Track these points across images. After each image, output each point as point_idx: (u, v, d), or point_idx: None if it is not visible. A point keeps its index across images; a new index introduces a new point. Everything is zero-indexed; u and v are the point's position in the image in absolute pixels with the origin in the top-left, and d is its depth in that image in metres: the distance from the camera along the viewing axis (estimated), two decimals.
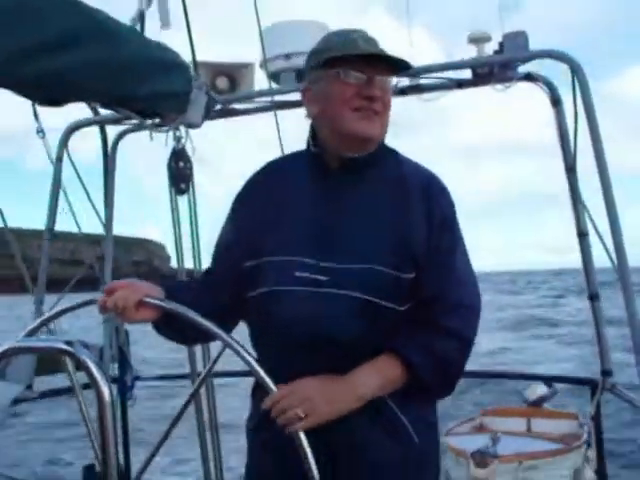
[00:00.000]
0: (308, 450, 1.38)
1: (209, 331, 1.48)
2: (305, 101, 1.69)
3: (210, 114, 2.61)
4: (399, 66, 1.60)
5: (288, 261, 1.57)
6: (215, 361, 2.38)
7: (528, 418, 5.09)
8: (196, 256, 3.26)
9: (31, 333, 1.56)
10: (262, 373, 1.44)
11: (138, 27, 2.82)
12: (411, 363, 1.51)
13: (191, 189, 3.14)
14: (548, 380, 5.01)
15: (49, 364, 3.54)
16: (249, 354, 1.45)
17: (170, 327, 1.63)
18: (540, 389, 5.32)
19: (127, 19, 2.79)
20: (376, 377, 1.51)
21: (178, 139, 2.92)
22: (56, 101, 2.13)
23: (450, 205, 1.66)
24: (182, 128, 2.78)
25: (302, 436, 1.40)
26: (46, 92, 2.00)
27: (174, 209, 3.28)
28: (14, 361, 3.33)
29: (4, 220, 3.16)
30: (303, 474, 1.39)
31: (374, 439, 1.54)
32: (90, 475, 3.40)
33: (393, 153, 1.71)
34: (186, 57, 2.59)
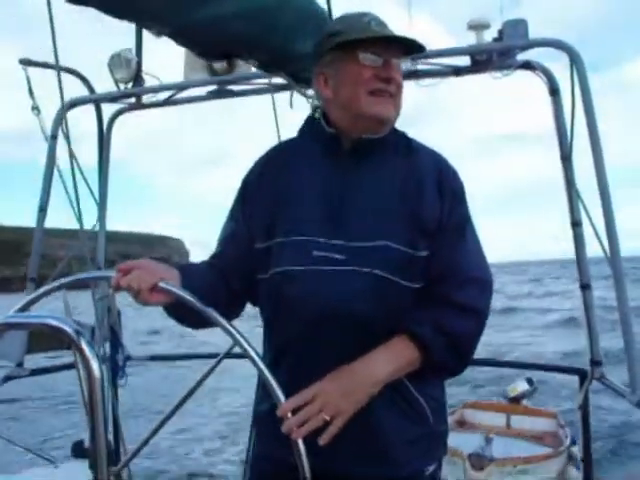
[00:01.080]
0: (305, 460, 1.38)
1: (223, 329, 1.46)
2: (318, 84, 1.69)
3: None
4: (412, 48, 1.63)
5: (304, 241, 1.58)
6: (219, 361, 2.36)
7: (508, 414, 5.16)
8: None
9: (24, 308, 1.55)
10: (272, 381, 1.42)
11: None
12: (426, 344, 1.52)
13: None
14: (537, 368, 5.07)
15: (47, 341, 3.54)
16: (259, 357, 1.44)
17: (181, 312, 1.62)
18: (521, 386, 5.38)
19: None
20: (391, 360, 1.51)
21: (315, 108, 2.86)
22: (220, 54, 2.09)
23: (460, 183, 1.69)
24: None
25: (301, 445, 1.39)
26: (210, 43, 1.97)
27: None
28: (4, 338, 3.32)
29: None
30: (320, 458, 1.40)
31: (391, 418, 1.57)
32: (78, 451, 3.41)
33: (403, 135, 1.73)
34: None
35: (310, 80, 2.40)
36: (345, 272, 1.54)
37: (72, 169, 3.09)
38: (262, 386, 1.69)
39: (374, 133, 1.65)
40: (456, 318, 1.56)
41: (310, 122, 1.76)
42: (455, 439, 4.61)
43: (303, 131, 1.80)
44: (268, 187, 1.69)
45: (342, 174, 1.64)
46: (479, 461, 4.17)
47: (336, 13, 2.46)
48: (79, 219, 3.11)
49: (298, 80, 2.43)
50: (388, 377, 1.51)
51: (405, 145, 1.71)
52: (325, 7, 2.52)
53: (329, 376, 1.49)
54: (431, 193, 1.62)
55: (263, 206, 1.67)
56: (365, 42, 1.58)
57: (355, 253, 1.55)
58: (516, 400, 5.36)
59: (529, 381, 5.37)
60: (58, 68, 2.49)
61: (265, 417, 1.68)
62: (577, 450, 4.57)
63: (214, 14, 1.85)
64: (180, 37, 1.93)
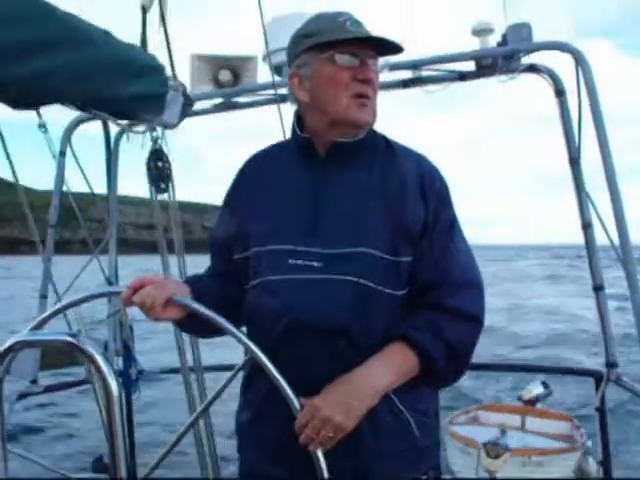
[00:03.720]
0: (324, 469, 1.38)
1: (238, 340, 1.46)
2: (293, 86, 1.64)
3: (187, 114, 2.64)
4: (389, 48, 1.57)
5: (280, 250, 1.55)
6: (236, 373, 2.36)
7: (523, 416, 5.14)
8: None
9: (38, 326, 1.56)
10: (288, 390, 1.41)
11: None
12: (425, 350, 1.48)
13: (170, 188, 3.16)
14: (553, 372, 5.05)
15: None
16: (275, 367, 1.42)
17: (191, 324, 1.61)
18: (536, 389, 5.37)
19: None
20: (390, 369, 1.47)
21: (155, 139, 3.01)
22: (32, 104, 2.13)
23: (443, 183, 1.64)
24: (159, 128, 2.85)
25: (320, 455, 1.39)
26: (21, 95, 2.00)
27: (154, 207, 3.27)
28: (18, 355, 3.33)
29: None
30: (298, 467, 1.40)
31: (373, 432, 1.51)
32: (99, 467, 3.42)
33: (382, 137, 1.69)
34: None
35: (133, 116, 2.47)
36: (323, 280, 1.50)
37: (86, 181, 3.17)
38: (242, 394, 1.69)
39: (351, 136, 1.60)
40: (453, 324, 1.52)
41: (292, 127, 1.72)
42: (469, 431, 4.59)
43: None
44: (244, 198, 1.67)
45: (318, 180, 1.59)
46: (495, 450, 4.14)
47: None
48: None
49: (124, 117, 2.50)
50: (388, 387, 1.48)
51: (385, 147, 1.66)
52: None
53: (326, 389, 1.44)
54: (414, 196, 1.56)
55: (241, 217, 1.65)
56: (341, 43, 1.53)
57: (333, 260, 1.50)
58: (531, 403, 5.34)
59: (544, 384, 5.35)
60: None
61: (246, 426, 1.66)
62: (591, 444, 4.55)
63: (27, 70, 1.85)
64: None
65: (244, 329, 1.63)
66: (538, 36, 2.93)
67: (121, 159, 3.61)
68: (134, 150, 3.08)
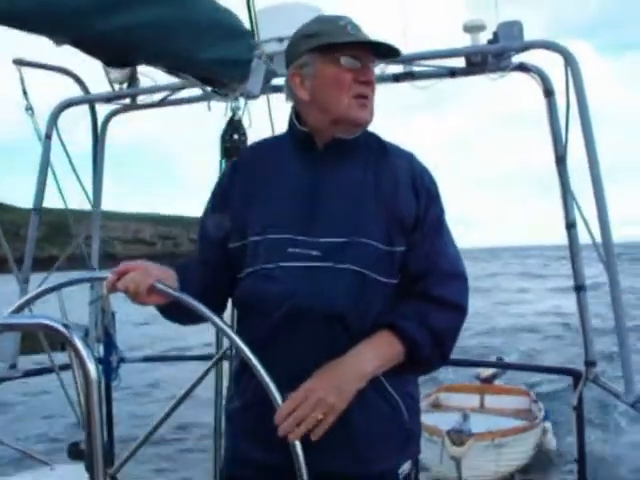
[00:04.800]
0: (302, 461, 1.39)
1: (219, 329, 1.49)
2: (293, 85, 1.69)
3: (268, 85, 2.55)
4: (387, 52, 1.65)
5: (279, 238, 1.59)
6: (215, 362, 2.34)
7: (481, 394, 5.20)
8: None
9: (18, 310, 1.55)
10: (271, 384, 1.43)
11: None
12: (410, 338, 1.55)
13: None
14: (531, 369, 5.09)
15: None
16: (257, 359, 1.44)
17: (174, 311, 1.64)
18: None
19: None
20: (377, 354, 1.53)
21: (235, 110, 2.80)
22: (123, 62, 2.10)
23: (434, 182, 1.73)
24: (240, 99, 2.70)
25: (298, 447, 1.41)
26: (113, 51, 1.97)
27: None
28: None
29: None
30: (286, 458, 1.41)
31: (364, 414, 1.56)
32: (74, 452, 3.40)
33: (376, 137, 1.76)
34: None
35: (221, 83, 2.40)
36: (321, 268, 1.55)
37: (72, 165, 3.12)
38: (234, 383, 1.72)
39: (350, 134, 1.67)
40: (438, 313, 1.59)
41: (289, 122, 1.76)
42: (431, 418, 4.62)
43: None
44: (241, 187, 1.71)
45: (316, 172, 1.65)
46: (459, 437, 4.19)
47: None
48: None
49: (211, 83, 2.43)
50: (375, 371, 1.53)
51: (378, 146, 1.73)
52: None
53: (317, 373, 1.50)
54: (406, 191, 1.64)
55: (236, 205, 1.68)
56: (344, 45, 1.60)
57: (331, 249, 1.56)
58: (488, 381, 5.41)
59: (500, 360, 5.43)
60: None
61: (236, 414, 1.69)
62: (549, 425, 4.60)
63: (118, 24, 1.84)
64: (82, 46, 1.92)
65: (228, 317, 1.64)
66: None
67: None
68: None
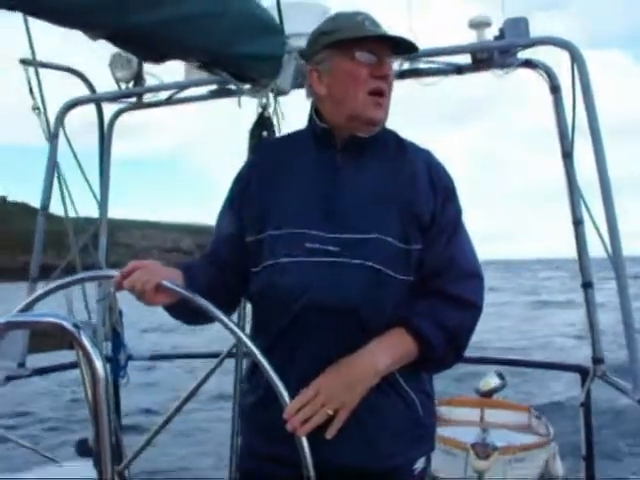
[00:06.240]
0: (309, 457, 1.40)
1: (227, 327, 1.49)
2: (312, 81, 1.70)
3: (299, 81, 2.52)
4: (405, 48, 1.66)
5: (297, 233, 1.60)
6: (222, 360, 2.35)
7: (481, 408, 5.18)
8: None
9: (26, 308, 1.55)
10: (277, 380, 1.44)
11: None
12: (423, 336, 1.55)
13: None
14: (539, 366, 5.08)
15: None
16: (263, 355, 1.45)
17: (181, 310, 1.65)
18: (493, 381, 5.41)
19: None
20: (390, 352, 1.54)
21: (265, 106, 2.76)
22: (157, 56, 2.10)
23: (451, 179, 1.72)
24: (270, 95, 2.67)
25: (305, 443, 1.41)
26: (148, 46, 1.97)
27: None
28: (6, 338, 3.33)
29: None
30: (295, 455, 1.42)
31: (379, 409, 1.57)
32: (83, 450, 3.41)
33: (394, 134, 1.76)
34: None
35: (253, 79, 2.39)
36: (338, 263, 1.56)
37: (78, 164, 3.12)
38: (247, 379, 1.74)
39: (365, 132, 1.67)
40: (453, 311, 1.60)
41: (309, 118, 1.78)
42: (446, 431, 4.60)
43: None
44: (259, 181, 1.72)
45: (335, 168, 1.66)
46: (484, 450, 4.17)
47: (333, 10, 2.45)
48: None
49: (242, 79, 2.43)
50: (387, 369, 1.54)
51: (396, 143, 1.74)
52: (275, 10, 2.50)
53: (329, 370, 1.51)
54: (424, 188, 1.64)
55: (254, 200, 1.69)
56: (361, 41, 1.60)
57: (348, 245, 1.57)
58: (488, 395, 5.39)
59: (500, 375, 5.41)
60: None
61: (251, 410, 1.70)
62: (556, 447, 4.59)
63: (154, 19, 1.85)
64: (118, 40, 1.93)
65: (247, 311, 1.65)
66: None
67: None
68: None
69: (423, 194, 1.63)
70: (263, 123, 2.77)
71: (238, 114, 2.75)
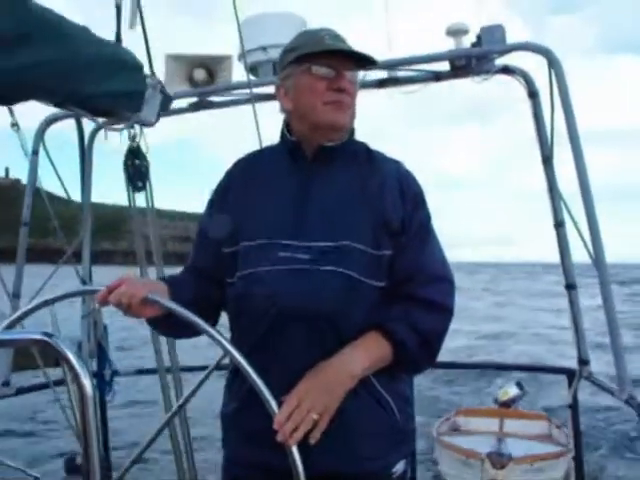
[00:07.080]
0: (300, 465, 1.40)
1: (214, 339, 1.48)
2: (279, 97, 1.78)
3: (165, 112, 2.64)
4: (364, 61, 1.69)
5: (269, 244, 1.63)
6: (209, 373, 2.36)
7: (501, 418, 5.18)
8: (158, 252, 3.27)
9: (11, 326, 1.54)
10: (265, 390, 1.44)
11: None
12: (398, 340, 1.58)
13: (148, 186, 3.16)
14: (525, 369, 5.10)
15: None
16: (251, 366, 1.45)
17: (166, 323, 1.65)
18: (512, 391, 5.41)
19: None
20: (366, 355, 1.56)
21: (133, 137, 3.01)
22: (7, 100, 2.11)
23: (420, 187, 1.77)
24: (137, 126, 2.83)
25: (295, 452, 1.41)
26: (4, 92, 1.97)
27: (132, 207, 3.24)
28: None
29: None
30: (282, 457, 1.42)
31: (356, 412, 1.57)
32: (71, 467, 3.38)
33: (363, 145, 1.81)
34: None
35: (111, 113, 2.48)
36: (310, 271, 1.58)
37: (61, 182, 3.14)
38: (228, 388, 1.75)
39: (332, 141, 1.71)
40: (426, 315, 1.62)
41: (281, 133, 1.82)
42: (462, 442, 4.59)
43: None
44: (234, 194, 1.75)
45: (305, 179, 1.70)
46: (499, 460, 4.17)
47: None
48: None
49: (101, 114, 2.50)
50: (364, 372, 1.56)
51: (365, 153, 1.78)
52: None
53: (307, 376, 1.52)
54: (393, 196, 1.68)
55: (230, 212, 1.72)
56: (319, 56, 1.66)
57: (319, 253, 1.60)
58: (506, 405, 5.37)
59: (519, 385, 5.40)
60: None
61: (232, 418, 1.71)
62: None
63: (4, 66, 1.85)
64: None
65: (223, 325, 1.65)
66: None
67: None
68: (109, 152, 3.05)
69: (392, 202, 1.67)
70: (133, 152, 3.06)
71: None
